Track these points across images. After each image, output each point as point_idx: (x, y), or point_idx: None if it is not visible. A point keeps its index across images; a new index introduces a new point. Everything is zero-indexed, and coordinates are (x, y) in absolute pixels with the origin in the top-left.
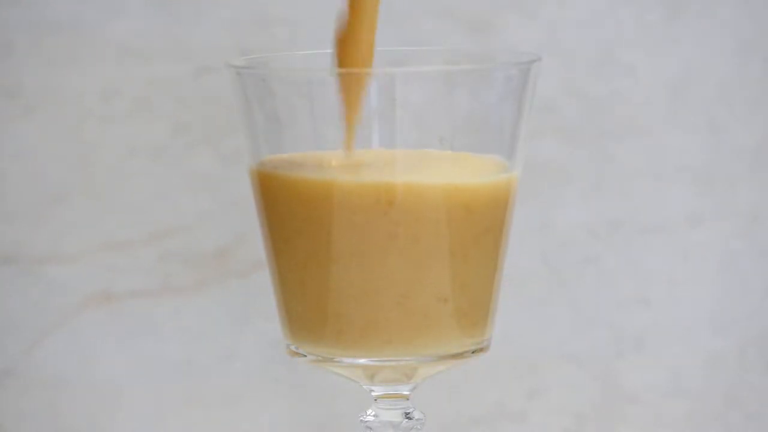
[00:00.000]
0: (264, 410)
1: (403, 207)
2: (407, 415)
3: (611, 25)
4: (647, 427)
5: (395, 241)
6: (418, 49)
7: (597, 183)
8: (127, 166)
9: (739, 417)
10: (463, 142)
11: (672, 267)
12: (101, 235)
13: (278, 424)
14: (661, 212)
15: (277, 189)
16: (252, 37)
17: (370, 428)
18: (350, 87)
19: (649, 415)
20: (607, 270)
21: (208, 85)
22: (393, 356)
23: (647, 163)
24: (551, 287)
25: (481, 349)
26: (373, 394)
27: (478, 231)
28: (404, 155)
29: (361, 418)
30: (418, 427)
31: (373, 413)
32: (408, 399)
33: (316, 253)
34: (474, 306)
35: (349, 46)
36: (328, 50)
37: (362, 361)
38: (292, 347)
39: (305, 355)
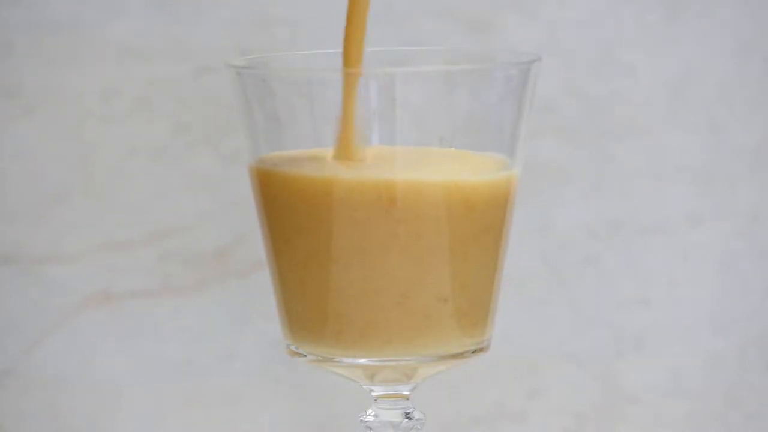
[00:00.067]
0: (264, 410)
1: (403, 204)
2: (407, 415)
3: (611, 25)
4: (647, 427)
5: (396, 238)
6: (418, 49)
7: (597, 183)
8: (127, 166)
9: (739, 417)
10: (463, 142)
11: (672, 267)
12: (101, 235)
13: (278, 424)
14: (661, 212)
15: (277, 187)
16: (252, 37)
17: (370, 428)
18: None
19: (649, 415)
20: (607, 270)
21: (208, 85)
22: (393, 356)
23: (647, 163)
24: (551, 287)
25: (481, 349)
26: (373, 394)
27: (478, 229)
28: (405, 152)
29: (361, 418)
30: (418, 427)
31: (373, 413)
32: (408, 399)
33: (316, 251)
34: (474, 306)
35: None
36: (328, 50)
37: (362, 361)
38: (292, 347)
39: (305, 355)
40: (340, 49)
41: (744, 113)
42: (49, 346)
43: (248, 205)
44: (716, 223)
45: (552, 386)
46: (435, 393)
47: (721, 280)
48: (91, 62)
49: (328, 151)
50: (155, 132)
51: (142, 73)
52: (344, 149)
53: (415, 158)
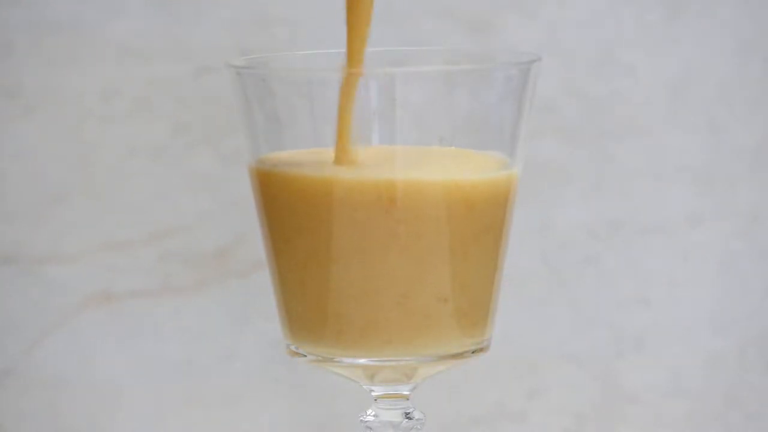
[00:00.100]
0: (264, 410)
1: (403, 204)
2: (407, 415)
3: (611, 25)
4: (647, 427)
5: (396, 238)
6: (418, 49)
7: (597, 183)
8: (127, 166)
9: (739, 417)
10: (463, 142)
11: (672, 267)
12: (101, 235)
13: (278, 424)
14: (661, 212)
15: (277, 187)
16: (252, 37)
17: (370, 428)
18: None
19: (649, 415)
20: (607, 270)
21: (208, 85)
22: (393, 356)
23: (647, 163)
24: (551, 287)
25: (481, 349)
26: (373, 394)
27: (478, 229)
28: (404, 152)
29: (361, 418)
30: (418, 427)
31: (373, 413)
32: (408, 399)
33: (316, 251)
34: (474, 306)
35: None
36: (328, 50)
37: (362, 361)
38: (292, 347)
39: (305, 355)
40: (340, 49)
41: (744, 113)
42: (49, 346)
43: (248, 205)
44: (716, 223)
45: (552, 386)
46: (435, 393)
47: (721, 280)
48: (91, 62)
49: (328, 151)
50: (155, 132)
51: (142, 73)
52: (340, 151)
53: (414, 158)
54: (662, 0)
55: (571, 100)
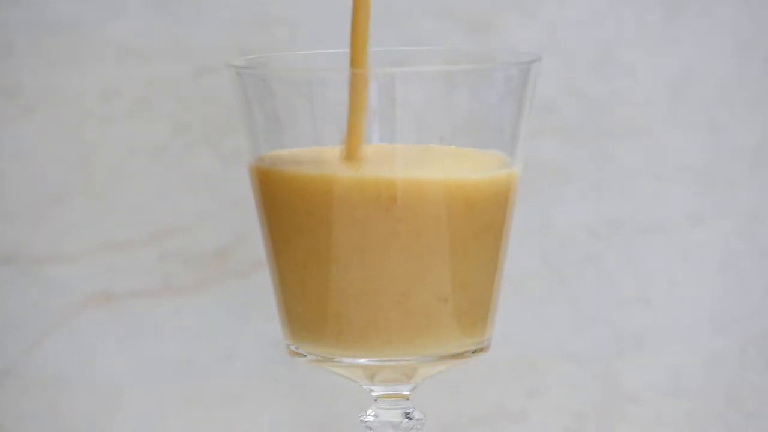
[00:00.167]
0: (264, 410)
1: (404, 202)
2: (407, 415)
3: (611, 25)
4: (647, 427)
5: (396, 237)
6: (418, 49)
7: (597, 183)
8: (127, 166)
9: (739, 417)
10: (463, 142)
11: (672, 267)
12: (101, 235)
13: (278, 424)
14: (661, 212)
15: (277, 185)
16: (252, 37)
17: (370, 428)
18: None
19: (649, 414)
20: (607, 269)
21: (208, 85)
22: (393, 356)
23: (647, 163)
24: (551, 287)
25: (481, 349)
26: (373, 394)
27: (478, 228)
28: (404, 150)
29: (361, 418)
30: (418, 427)
31: (373, 413)
32: (408, 399)
33: (316, 251)
34: (474, 305)
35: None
36: (328, 50)
37: (362, 361)
38: (292, 347)
39: (305, 355)
40: (340, 49)
41: (744, 113)
42: (49, 346)
43: (248, 205)
44: (716, 222)
45: (552, 385)
46: (435, 393)
47: (721, 279)
48: (91, 62)
49: (328, 150)
50: (155, 132)
51: (142, 73)
52: (352, 150)
53: (415, 156)
54: (662, 0)
55: (571, 100)
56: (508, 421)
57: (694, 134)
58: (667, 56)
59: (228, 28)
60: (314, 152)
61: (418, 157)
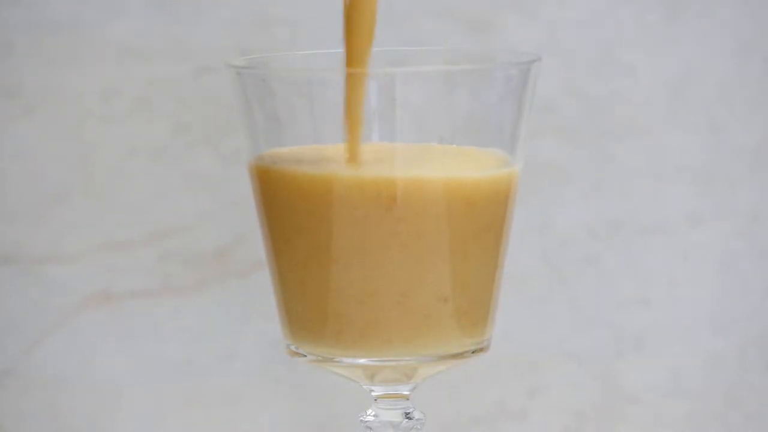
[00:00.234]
0: (264, 410)
1: (404, 202)
2: (407, 415)
3: (611, 25)
4: (647, 427)
5: (396, 237)
6: (418, 49)
7: (597, 183)
8: (127, 166)
9: (739, 417)
10: (463, 142)
11: (672, 267)
12: (101, 235)
13: (278, 424)
14: (661, 212)
15: (277, 185)
16: (252, 37)
17: (370, 428)
18: (350, 87)
19: (649, 414)
20: (607, 269)
21: (208, 85)
22: (393, 356)
23: (647, 163)
24: (551, 286)
25: (481, 349)
26: (373, 394)
27: (478, 227)
28: (405, 149)
29: (361, 418)
30: (418, 427)
31: (373, 413)
32: (408, 399)
33: (316, 251)
34: (474, 305)
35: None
36: (328, 50)
37: (362, 361)
38: (292, 347)
39: (305, 355)
40: (340, 49)
41: (744, 113)
42: (49, 346)
43: (248, 205)
44: (716, 223)
45: (552, 385)
46: (435, 393)
47: (721, 280)
48: (91, 62)
49: (328, 148)
50: (155, 132)
51: (142, 73)
52: (353, 150)
53: (415, 155)
54: (662, 0)
55: (571, 100)
56: (509, 420)
57: (694, 134)
58: (667, 56)
59: (228, 28)
60: (315, 150)
61: (419, 156)
